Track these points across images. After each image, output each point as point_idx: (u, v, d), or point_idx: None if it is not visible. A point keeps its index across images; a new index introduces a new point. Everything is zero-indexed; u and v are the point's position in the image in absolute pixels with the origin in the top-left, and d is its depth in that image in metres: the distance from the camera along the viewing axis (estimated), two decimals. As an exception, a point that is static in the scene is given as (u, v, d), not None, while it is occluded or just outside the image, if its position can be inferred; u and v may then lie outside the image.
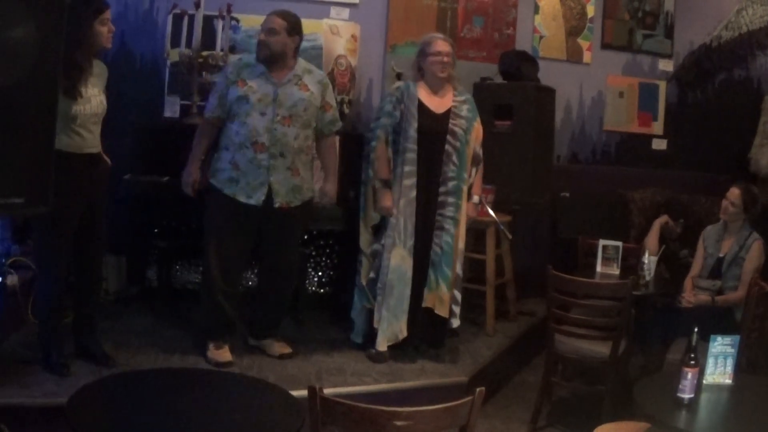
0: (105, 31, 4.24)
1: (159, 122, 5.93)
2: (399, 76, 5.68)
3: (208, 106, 4.81)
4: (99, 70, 4.41)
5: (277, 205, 4.72)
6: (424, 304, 5.07)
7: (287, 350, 4.99)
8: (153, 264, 5.93)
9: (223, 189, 4.69)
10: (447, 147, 5.05)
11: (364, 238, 5.12)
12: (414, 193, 4.97)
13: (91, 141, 4.31)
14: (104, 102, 4.38)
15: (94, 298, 4.66)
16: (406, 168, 4.97)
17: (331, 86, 5.08)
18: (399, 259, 4.95)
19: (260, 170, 4.65)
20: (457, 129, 5.06)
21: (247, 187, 4.67)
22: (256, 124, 4.63)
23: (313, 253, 5.93)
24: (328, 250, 5.88)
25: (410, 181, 4.97)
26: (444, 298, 5.07)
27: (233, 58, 5.19)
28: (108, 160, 4.56)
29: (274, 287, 5.00)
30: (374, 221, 5.09)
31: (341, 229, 5.68)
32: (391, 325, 4.97)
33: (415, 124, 4.96)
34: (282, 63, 4.73)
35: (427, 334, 5.16)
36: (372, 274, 5.06)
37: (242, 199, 4.67)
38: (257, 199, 4.68)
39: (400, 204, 4.96)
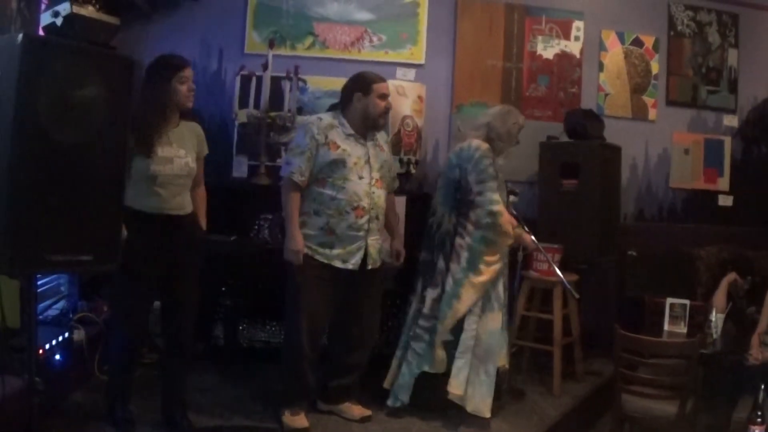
0: (184, 89, 4.18)
1: (227, 182, 6.00)
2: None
3: (293, 167, 4.56)
4: (188, 132, 4.34)
5: (369, 267, 4.70)
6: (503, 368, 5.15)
7: (367, 413, 4.91)
8: (219, 322, 5.95)
9: (314, 255, 4.59)
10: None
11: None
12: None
13: (172, 202, 4.22)
14: (191, 164, 4.29)
15: (180, 366, 4.48)
16: None
17: None
18: (496, 324, 4.99)
19: (359, 234, 4.61)
20: None
21: (344, 252, 4.61)
22: (356, 188, 4.58)
23: (381, 313, 5.91)
24: (395, 310, 5.86)
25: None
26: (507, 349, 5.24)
27: (309, 117, 4.92)
28: (203, 224, 4.51)
29: (357, 351, 4.91)
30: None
31: (408, 288, 5.63)
32: (485, 398, 4.92)
33: (504, 189, 5.14)
34: None
35: None
36: (450, 336, 4.98)
37: (338, 264, 4.61)
38: (354, 263, 4.64)
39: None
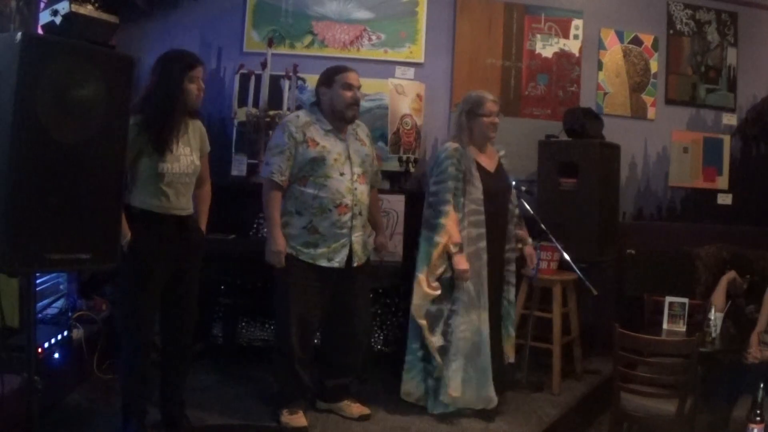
0: (194, 88, 4.12)
1: (226, 181, 5.98)
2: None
3: (274, 168, 4.55)
4: (193, 131, 4.29)
5: (355, 264, 4.67)
6: (507, 361, 5.15)
7: (366, 411, 4.90)
8: (218, 321, 5.95)
9: (299, 255, 4.57)
10: (509, 205, 5.10)
11: (420, 304, 4.89)
12: (486, 255, 4.90)
13: (178, 202, 4.16)
14: (196, 162, 4.25)
15: (180, 366, 4.43)
16: (476, 231, 4.89)
17: None
18: (478, 321, 4.89)
19: (343, 231, 4.58)
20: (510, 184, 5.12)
21: (329, 251, 4.58)
22: (338, 185, 4.55)
23: (379, 311, 5.92)
24: (393, 308, 5.86)
25: (483, 243, 4.90)
26: (512, 343, 5.20)
27: (287, 116, 4.97)
28: (202, 228, 4.44)
29: (352, 352, 4.90)
30: (438, 289, 4.87)
31: (406, 286, 5.63)
32: (480, 391, 4.92)
33: (480, 186, 4.89)
34: None
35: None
36: (442, 341, 4.91)
37: (323, 263, 4.58)
38: (340, 261, 4.61)
39: (475, 267, 4.87)
